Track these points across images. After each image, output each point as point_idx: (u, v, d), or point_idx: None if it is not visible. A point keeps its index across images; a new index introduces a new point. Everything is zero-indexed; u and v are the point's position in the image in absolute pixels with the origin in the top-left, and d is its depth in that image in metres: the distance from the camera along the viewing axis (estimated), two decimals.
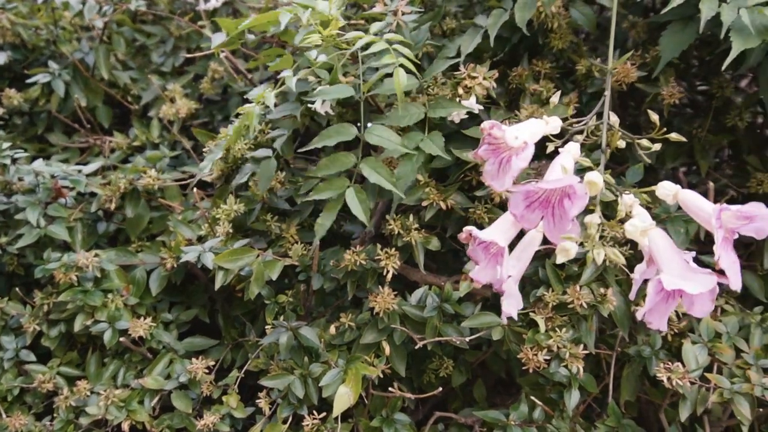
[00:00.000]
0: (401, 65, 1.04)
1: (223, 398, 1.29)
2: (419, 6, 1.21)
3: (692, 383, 1.06)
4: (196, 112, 1.66)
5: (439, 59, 1.16)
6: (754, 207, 0.71)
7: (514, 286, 0.81)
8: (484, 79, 1.10)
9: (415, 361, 1.34)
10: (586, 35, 1.55)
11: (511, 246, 0.81)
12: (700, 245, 1.29)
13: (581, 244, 0.71)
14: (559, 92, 0.88)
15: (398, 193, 1.08)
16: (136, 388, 1.33)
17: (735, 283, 0.70)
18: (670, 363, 1.07)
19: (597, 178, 0.71)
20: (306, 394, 1.19)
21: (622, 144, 0.83)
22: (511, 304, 0.81)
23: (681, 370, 1.06)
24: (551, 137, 0.81)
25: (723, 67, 0.97)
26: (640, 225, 0.71)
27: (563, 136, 0.82)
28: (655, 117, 0.82)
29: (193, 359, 1.30)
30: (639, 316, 0.72)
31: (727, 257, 0.70)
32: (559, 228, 0.73)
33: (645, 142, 0.82)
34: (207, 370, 1.30)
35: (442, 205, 1.16)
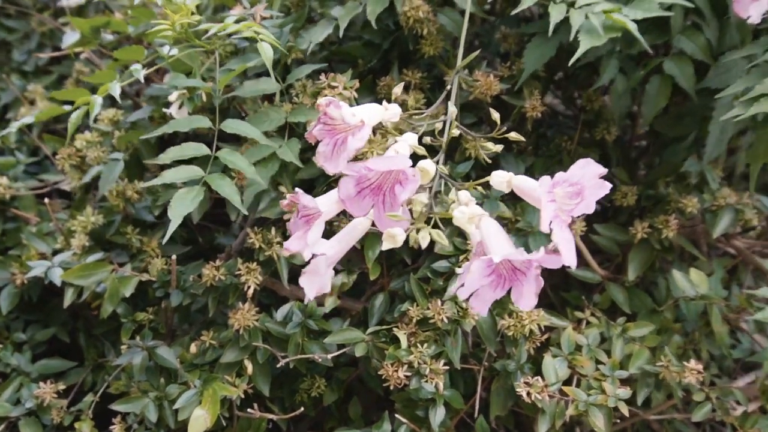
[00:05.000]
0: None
1: (76, 425, 1.20)
2: (282, 9, 1.17)
3: (551, 397, 1.06)
4: (60, 116, 1.54)
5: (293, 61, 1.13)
6: (578, 169, 0.69)
7: (324, 265, 0.78)
8: (345, 88, 1.07)
9: (288, 380, 1.29)
10: (467, 47, 1.55)
11: None
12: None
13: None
14: (402, 84, 0.86)
15: (260, 180, 1.04)
16: None
17: (568, 258, 0.68)
18: (530, 378, 1.06)
19: (429, 165, 0.71)
20: (161, 418, 1.12)
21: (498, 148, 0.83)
22: (312, 282, 0.78)
23: (540, 383, 1.05)
24: (395, 132, 0.79)
25: (569, 63, 1.00)
26: (467, 211, 0.70)
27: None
28: (496, 115, 0.81)
29: (41, 383, 1.21)
30: (461, 296, 0.70)
31: (560, 232, 0.68)
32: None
33: (490, 144, 0.82)
34: (56, 395, 1.21)
35: None
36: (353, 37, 1.35)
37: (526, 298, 0.72)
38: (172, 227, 0.96)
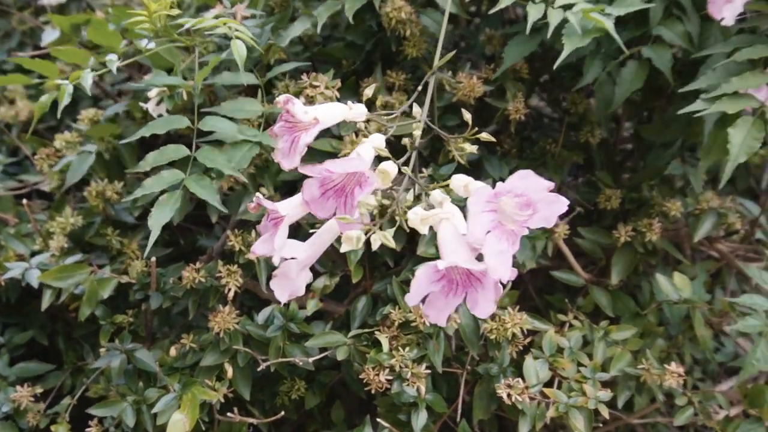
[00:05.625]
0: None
1: (52, 427, 1.18)
2: (266, 9, 1.16)
3: (532, 399, 1.05)
4: (41, 117, 1.52)
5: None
6: (519, 180, 0.67)
7: (296, 269, 0.77)
8: (327, 88, 1.06)
9: (269, 384, 1.28)
10: (450, 50, 1.54)
11: None
12: (552, 261, 1.30)
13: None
14: (374, 85, 0.85)
15: (239, 175, 1.03)
16: None
17: (496, 271, 0.67)
18: (512, 380, 1.06)
19: (390, 167, 0.71)
20: (139, 422, 1.11)
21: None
22: (283, 286, 0.77)
23: (521, 385, 1.05)
24: (364, 130, 0.79)
25: (554, 66, 1.00)
26: (421, 213, 0.69)
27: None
28: (467, 116, 0.81)
29: (18, 387, 1.19)
30: (408, 303, 0.70)
31: (495, 244, 0.67)
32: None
33: (467, 145, 0.82)
34: (33, 398, 1.19)
35: None
36: (337, 38, 1.35)
37: (482, 305, 0.70)
38: (153, 236, 0.96)
